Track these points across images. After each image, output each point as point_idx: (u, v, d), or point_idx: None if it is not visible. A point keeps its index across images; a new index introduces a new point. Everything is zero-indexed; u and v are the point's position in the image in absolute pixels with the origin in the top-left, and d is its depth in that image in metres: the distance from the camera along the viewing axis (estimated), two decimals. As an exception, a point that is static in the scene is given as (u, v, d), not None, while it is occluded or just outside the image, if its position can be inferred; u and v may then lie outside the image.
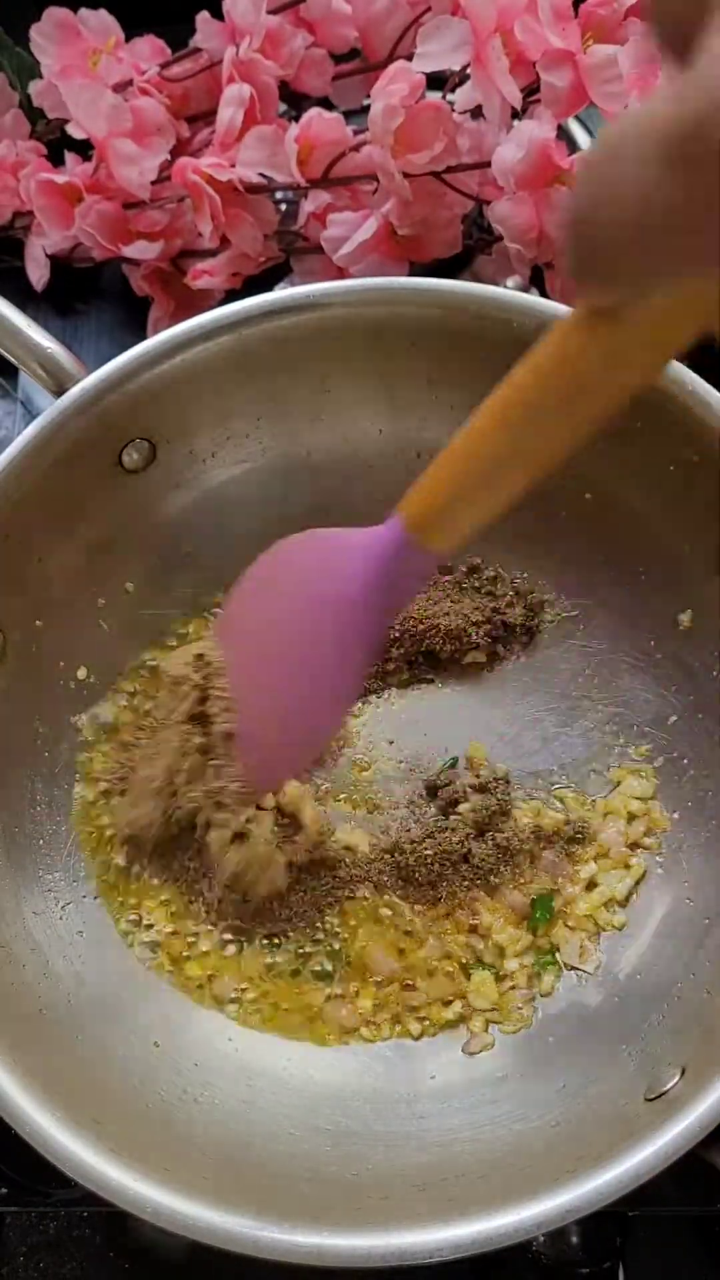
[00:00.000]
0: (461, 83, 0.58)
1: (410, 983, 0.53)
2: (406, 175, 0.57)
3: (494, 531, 0.59)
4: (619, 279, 0.25)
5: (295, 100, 0.66)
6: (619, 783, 0.56)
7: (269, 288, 0.66)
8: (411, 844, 0.55)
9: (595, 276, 0.25)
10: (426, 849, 0.54)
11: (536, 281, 0.64)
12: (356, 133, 0.61)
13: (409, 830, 0.56)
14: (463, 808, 0.55)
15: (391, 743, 0.58)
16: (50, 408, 0.52)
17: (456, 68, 0.58)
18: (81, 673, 0.56)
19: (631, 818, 0.56)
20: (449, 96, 0.59)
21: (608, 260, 0.24)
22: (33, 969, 0.50)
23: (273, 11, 0.62)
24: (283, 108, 0.65)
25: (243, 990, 0.53)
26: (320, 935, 0.54)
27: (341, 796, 0.57)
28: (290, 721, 0.43)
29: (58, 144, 0.67)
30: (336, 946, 0.54)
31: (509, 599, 0.59)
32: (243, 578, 0.46)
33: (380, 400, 0.57)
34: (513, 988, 0.53)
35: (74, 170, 0.65)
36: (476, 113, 0.59)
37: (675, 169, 0.21)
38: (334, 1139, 0.49)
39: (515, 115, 0.58)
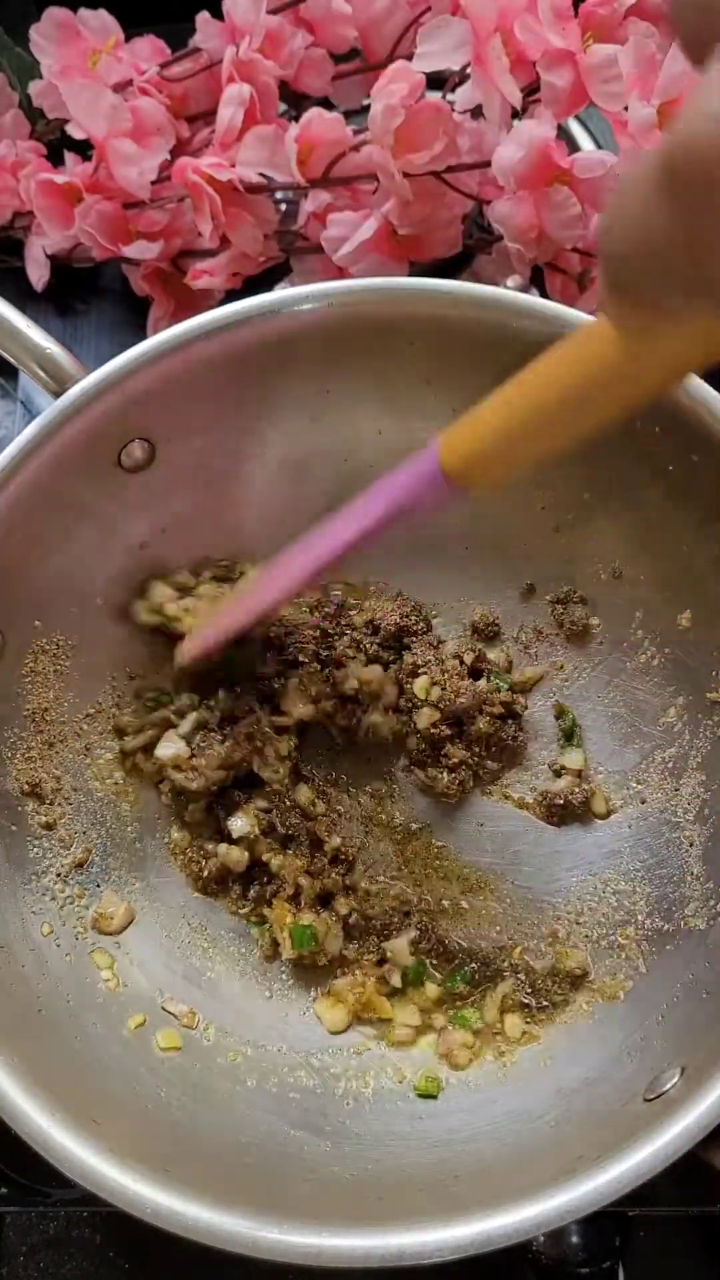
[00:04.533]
0: (461, 83, 0.58)
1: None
2: (406, 175, 0.57)
3: (494, 533, 0.60)
4: (641, 300, 0.27)
5: (295, 100, 0.66)
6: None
7: (269, 288, 0.66)
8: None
9: (623, 296, 0.27)
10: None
11: (536, 281, 0.64)
12: (356, 133, 0.61)
13: None
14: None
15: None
16: (50, 408, 0.52)
17: (456, 68, 0.58)
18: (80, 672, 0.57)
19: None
20: (449, 96, 0.59)
21: (628, 283, 0.26)
22: (32, 969, 0.50)
23: (273, 11, 0.62)
24: (283, 108, 0.65)
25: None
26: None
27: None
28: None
29: (58, 144, 0.67)
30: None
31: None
32: None
33: (380, 400, 0.57)
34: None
35: (74, 170, 0.65)
36: (476, 113, 0.59)
37: (669, 197, 0.23)
38: (334, 1139, 0.49)
39: (515, 115, 0.58)
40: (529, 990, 0.54)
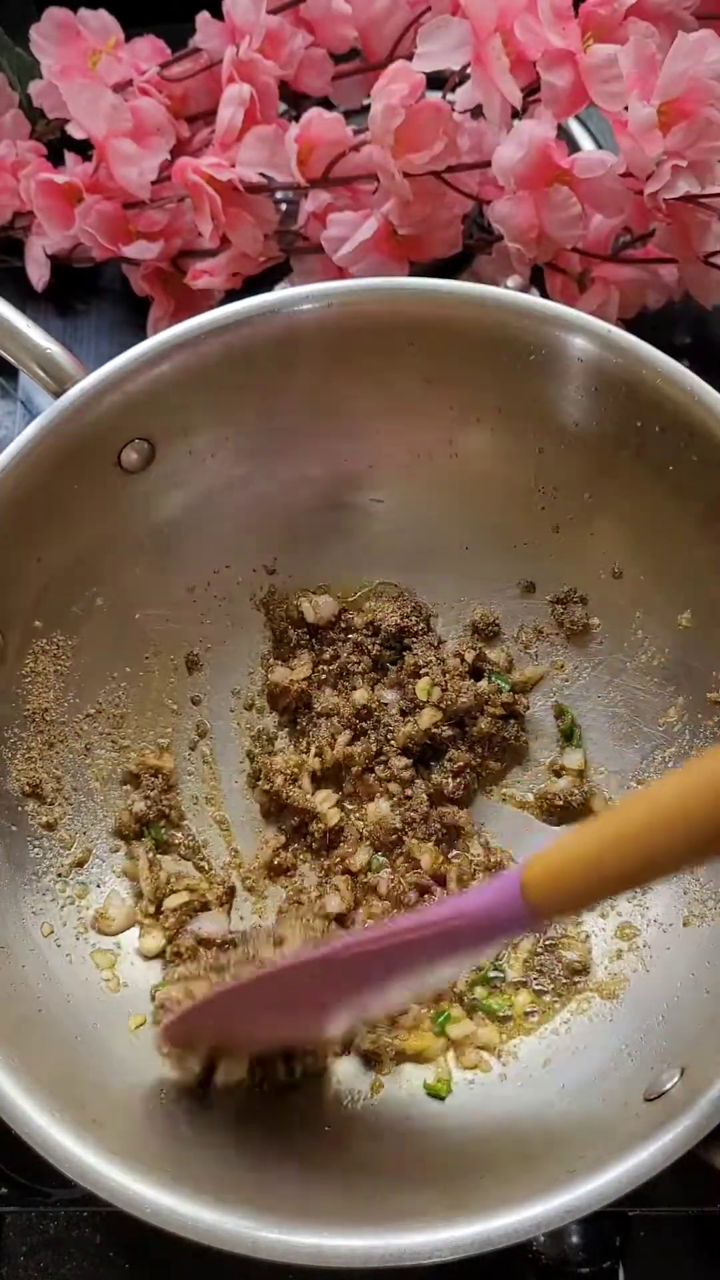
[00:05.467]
0: (461, 83, 0.58)
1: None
2: (406, 175, 0.57)
3: (494, 533, 0.60)
4: None
5: (295, 100, 0.66)
6: None
7: (269, 288, 0.66)
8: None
9: None
10: None
11: (536, 281, 0.64)
12: (356, 133, 0.61)
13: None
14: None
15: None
16: (50, 408, 0.52)
17: (456, 68, 0.58)
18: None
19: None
20: (449, 96, 0.59)
21: None
22: (32, 969, 0.50)
23: (273, 11, 0.62)
24: (283, 108, 0.65)
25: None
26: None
27: None
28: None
29: (58, 144, 0.67)
30: None
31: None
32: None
33: (380, 400, 0.57)
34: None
35: (74, 170, 0.65)
36: (476, 112, 0.59)
37: None
38: (334, 1139, 0.49)
39: (515, 115, 0.58)
40: (537, 970, 0.54)
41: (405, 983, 0.45)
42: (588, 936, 0.55)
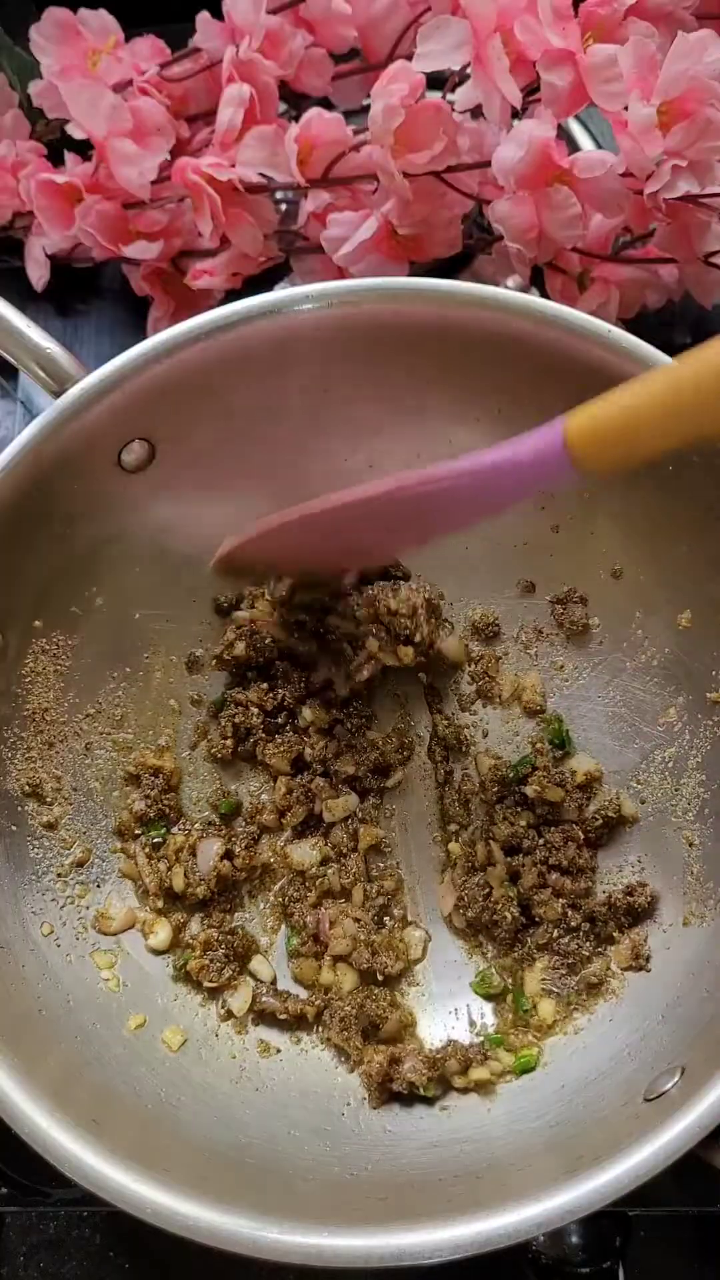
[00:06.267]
0: (461, 83, 0.58)
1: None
2: (406, 175, 0.57)
3: (494, 533, 0.60)
4: None
5: (295, 100, 0.66)
6: None
7: (269, 288, 0.66)
8: None
9: None
10: None
11: (536, 281, 0.64)
12: (356, 133, 0.61)
13: None
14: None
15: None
16: (50, 408, 0.52)
17: (456, 68, 0.58)
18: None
19: None
20: (449, 96, 0.59)
21: None
22: (32, 969, 0.50)
23: (273, 11, 0.62)
24: (283, 108, 0.65)
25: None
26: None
27: None
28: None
29: (58, 144, 0.67)
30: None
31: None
32: None
33: (380, 400, 0.57)
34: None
35: (74, 170, 0.65)
36: (476, 112, 0.59)
37: None
38: (334, 1139, 0.49)
39: (515, 115, 0.58)
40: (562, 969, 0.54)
41: (444, 527, 0.51)
42: (587, 938, 0.55)
